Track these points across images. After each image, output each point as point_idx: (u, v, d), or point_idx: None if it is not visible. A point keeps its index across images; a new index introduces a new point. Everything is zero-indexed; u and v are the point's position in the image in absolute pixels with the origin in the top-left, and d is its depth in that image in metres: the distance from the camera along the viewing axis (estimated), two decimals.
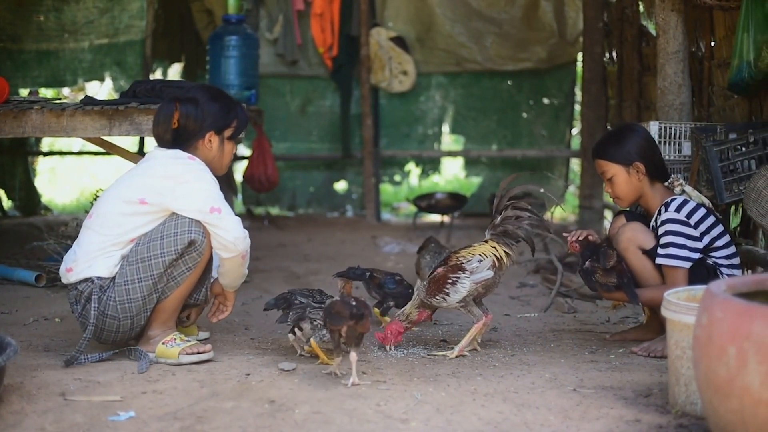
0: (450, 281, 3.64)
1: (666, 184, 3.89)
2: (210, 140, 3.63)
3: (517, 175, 3.70)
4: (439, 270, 3.70)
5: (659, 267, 3.74)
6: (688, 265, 3.67)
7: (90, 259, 3.50)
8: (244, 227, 3.54)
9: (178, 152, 3.58)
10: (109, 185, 3.67)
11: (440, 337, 4.01)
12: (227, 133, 3.68)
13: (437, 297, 3.67)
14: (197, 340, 3.81)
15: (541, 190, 3.69)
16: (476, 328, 3.67)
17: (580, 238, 3.85)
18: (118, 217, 3.50)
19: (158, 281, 3.47)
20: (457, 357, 3.61)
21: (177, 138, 3.61)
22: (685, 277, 3.66)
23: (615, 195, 3.90)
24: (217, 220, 3.46)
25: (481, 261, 3.65)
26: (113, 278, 3.50)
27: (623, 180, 3.85)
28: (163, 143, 3.63)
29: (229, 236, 3.47)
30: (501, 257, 3.67)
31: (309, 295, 3.60)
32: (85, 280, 3.50)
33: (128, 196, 3.49)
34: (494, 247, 3.69)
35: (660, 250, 3.71)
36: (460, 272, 3.65)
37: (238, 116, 3.70)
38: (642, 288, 3.73)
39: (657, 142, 4.35)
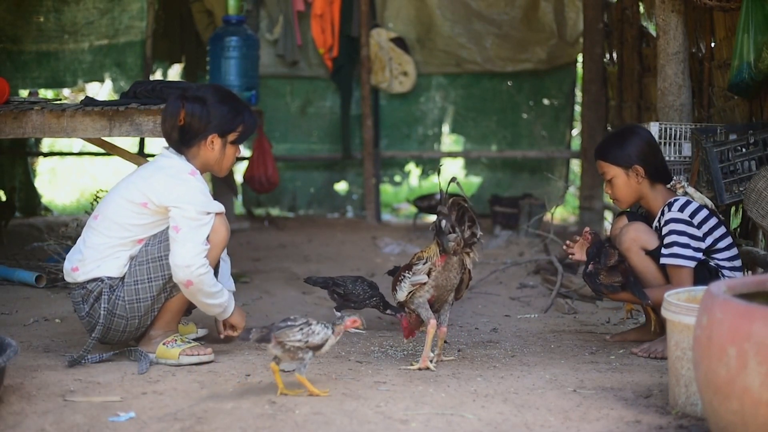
0: (400, 278, 3.55)
1: (668, 186, 3.88)
2: (212, 142, 3.59)
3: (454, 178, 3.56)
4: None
5: (663, 268, 3.73)
6: (692, 264, 3.66)
7: (99, 258, 3.51)
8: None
9: (182, 164, 3.56)
10: (115, 186, 3.67)
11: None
12: (231, 137, 3.64)
13: (393, 293, 3.60)
14: (195, 339, 3.83)
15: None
16: (428, 334, 3.45)
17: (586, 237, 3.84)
18: (123, 219, 3.51)
19: (168, 281, 3.49)
20: (423, 369, 3.44)
21: (182, 136, 3.58)
22: (690, 276, 3.66)
23: (614, 197, 3.90)
24: (174, 237, 3.44)
25: (425, 264, 3.48)
26: (122, 278, 3.51)
27: (622, 182, 3.85)
28: (171, 141, 3.62)
29: (175, 259, 3.42)
30: (435, 264, 3.47)
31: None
32: (95, 279, 3.51)
33: (132, 197, 3.51)
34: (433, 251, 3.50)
35: (664, 250, 3.70)
36: (407, 271, 3.53)
37: (244, 121, 3.66)
38: (647, 289, 3.72)
39: (657, 143, 4.35)
